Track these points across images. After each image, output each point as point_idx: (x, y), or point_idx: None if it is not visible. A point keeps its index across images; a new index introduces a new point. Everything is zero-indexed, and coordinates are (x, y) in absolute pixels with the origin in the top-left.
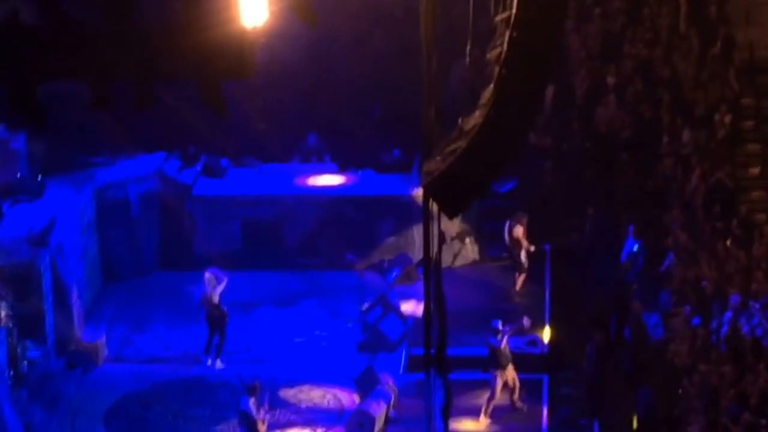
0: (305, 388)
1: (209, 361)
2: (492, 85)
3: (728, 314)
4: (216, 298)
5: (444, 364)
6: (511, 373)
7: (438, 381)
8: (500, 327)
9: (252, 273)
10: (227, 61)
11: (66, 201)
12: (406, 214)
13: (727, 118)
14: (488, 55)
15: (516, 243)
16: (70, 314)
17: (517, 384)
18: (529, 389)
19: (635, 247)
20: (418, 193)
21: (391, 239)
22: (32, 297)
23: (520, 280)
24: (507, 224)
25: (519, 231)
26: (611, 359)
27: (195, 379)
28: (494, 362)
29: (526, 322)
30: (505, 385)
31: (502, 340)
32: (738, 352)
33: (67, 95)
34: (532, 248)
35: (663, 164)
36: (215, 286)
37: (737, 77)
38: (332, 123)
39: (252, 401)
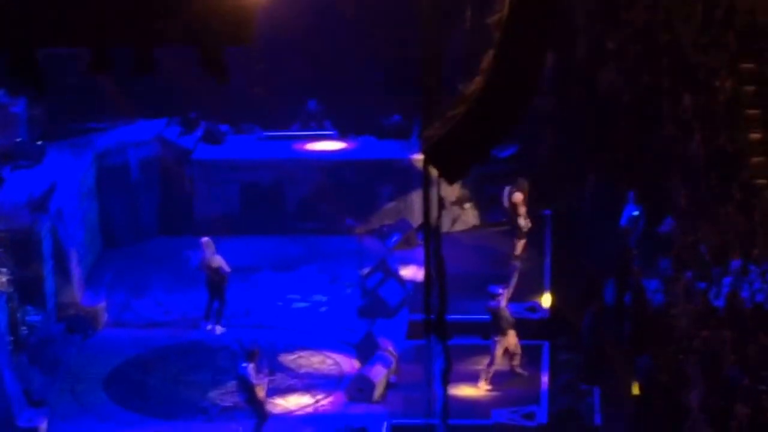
0: (305, 353)
1: (209, 326)
2: (492, 51)
3: (728, 279)
4: (215, 263)
5: (444, 330)
6: (512, 339)
7: (438, 347)
8: (499, 291)
9: (251, 238)
10: (228, 27)
11: (66, 166)
12: (406, 179)
13: (728, 83)
14: (488, 21)
15: (515, 209)
16: (69, 279)
17: (519, 350)
18: (529, 355)
19: (635, 213)
20: (418, 158)
21: (391, 204)
22: (32, 262)
23: (520, 245)
24: (506, 190)
25: (518, 197)
26: (610, 325)
27: (194, 344)
28: (495, 326)
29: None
30: (506, 351)
31: (500, 302)
32: (738, 318)
33: (66, 60)
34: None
35: (664, 129)
36: (214, 251)
37: (738, 42)
38: (332, 89)
39: (251, 366)
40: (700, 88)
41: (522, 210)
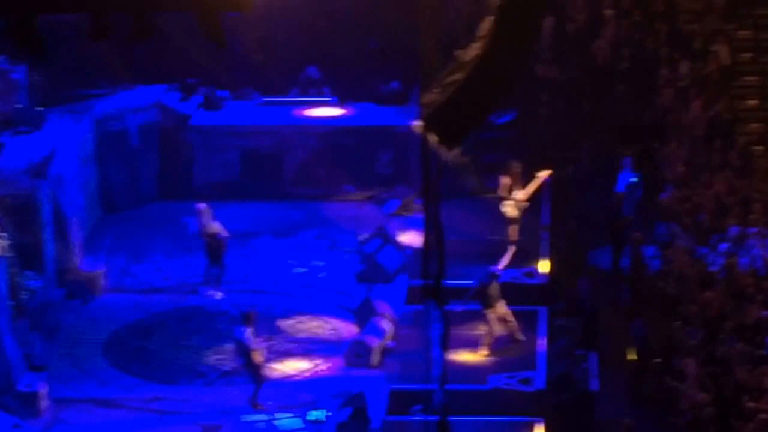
0: (303, 318)
1: (208, 292)
2: (491, 17)
3: (726, 246)
4: (212, 229)
5: (442, 295)
6: (502, 309)
7: (436, 312)
8: (497, 272)
9: (251, 203)
10: None
11: (66, 132)
12: (404, 145)
13: (725, 50)
14: None
15: (504, 194)
16: (69, 244)
17: (511, 317)
18: (526, 321)
19: (633, 179)
20: (417, 124)
21: (390, 171)
22: (32, 227)
23: (513, 231)
24: (501, 179)
25: (505, 181)
26: (607, 292)
27: (193, 309)
28: (483, 303)
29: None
30: (501, 318)
31: (492, 282)
32: (736, 284)
33: (66, 26)
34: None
35: (661, 96)
36: (211, 217)
37: (735, 9)
38: (331, 55)
39: (248, 331)
40: (697, 55)
41: (517, 193)
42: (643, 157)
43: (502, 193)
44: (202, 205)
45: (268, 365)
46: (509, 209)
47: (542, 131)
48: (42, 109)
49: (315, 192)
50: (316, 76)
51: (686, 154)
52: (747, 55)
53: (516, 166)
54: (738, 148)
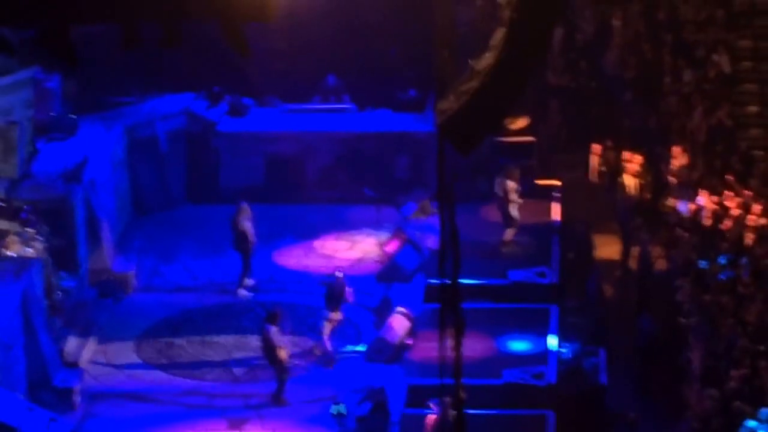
0: (325, 315)
1: (242, 291)
2: (503, 28)
3: (727, 246)
4: (241, 226)
5: (458, 294)
6: (339, 315)
7: (452, 310)
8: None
9: (274, 206)
10: (250, 4)
11: (98, 138)
12: (421, 150)
13: (726, 59)
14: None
15: (506, 196)
16: (102, 246)
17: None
18: (540, 318)
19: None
20: (433, 131)
21: (407, 175)
22: (66, 230)
23: (510, 233)
24: (497, 180)
25: (509, 185)
26: (616, 290)
27: (220, 307)
28: (329, 302)
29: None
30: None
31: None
32: (737, 283)
33: (98, 36)
34: (521, 201)
35: (665, 102)
36: (249, 217)
37: (735, 20)
38: (350, 64)
39: (274, 328)
40: (699, 64)
41: (513, 198)
42: (649, 161)
43: (510, 196)
44: (243, 204)
45: (292, 361)
46: (515, 212)
47: (553, 136)
48: (75, 116)
49: (336, 195)
50: (335, 84)
51: (689, 158)
52: (747, 64)
53: (515, 170)
54: (739, 152)
